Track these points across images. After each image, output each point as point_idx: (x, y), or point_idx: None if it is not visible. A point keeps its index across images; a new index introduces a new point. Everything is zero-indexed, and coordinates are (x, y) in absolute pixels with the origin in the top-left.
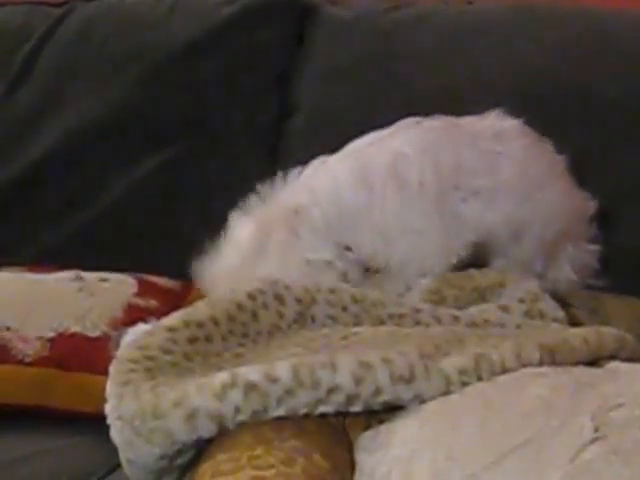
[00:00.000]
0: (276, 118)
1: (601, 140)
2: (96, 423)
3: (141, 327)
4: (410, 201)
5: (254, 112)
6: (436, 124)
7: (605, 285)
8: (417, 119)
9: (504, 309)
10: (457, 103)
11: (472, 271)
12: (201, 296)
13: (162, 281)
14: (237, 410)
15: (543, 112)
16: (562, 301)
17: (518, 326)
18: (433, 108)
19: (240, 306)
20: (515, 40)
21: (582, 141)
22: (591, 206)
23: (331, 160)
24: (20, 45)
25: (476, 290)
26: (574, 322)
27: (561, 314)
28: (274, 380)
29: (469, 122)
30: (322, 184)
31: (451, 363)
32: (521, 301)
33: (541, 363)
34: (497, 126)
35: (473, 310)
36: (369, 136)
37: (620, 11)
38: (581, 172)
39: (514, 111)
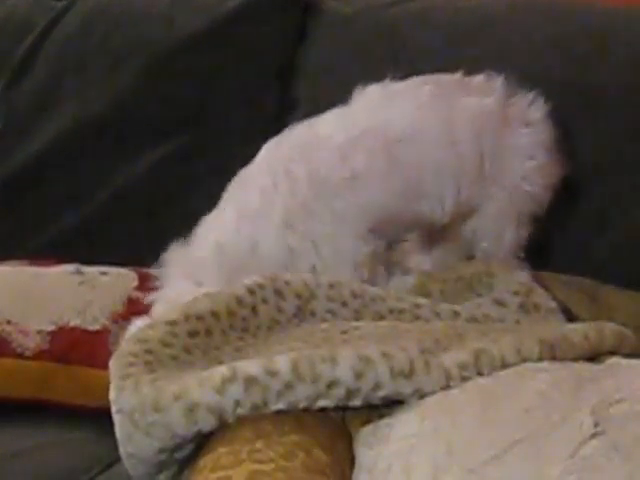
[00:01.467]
0: (277, 113)
1: (602, 137)
2: (96, 417)
3: (141, 321)
4: None
5: (255, 106)
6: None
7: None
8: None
9: (499, 303)
10: None
11: (457, 263)
12: None
13: None
14: (237, 404)
15: (553, 106)
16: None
17: (517, 321)
18: None
19: (240, 300)
20: (517, 35)
21: (583, 138)
22: None
23: None
24: (22, 38)
25: (461, 280)
26: (568, 312)
27: (553, 304)
28: (274, 374)
29: None
30: None
31: (451, 358)
32: (515, 294)
33: (541, 358)
34: None
35: (470, 305)
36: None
37: (620, 7)
38: (581, 170)
39: None
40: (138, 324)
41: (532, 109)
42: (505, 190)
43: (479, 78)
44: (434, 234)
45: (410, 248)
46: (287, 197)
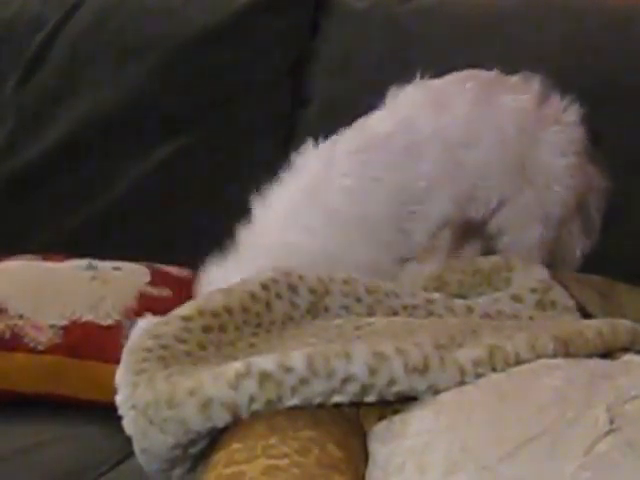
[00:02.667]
0: (290, 107)
1: (618, 132)
2: (108, 411)
3: (149, 318)
4: None
5: (268, 100)
6: None
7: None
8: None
9: (516, 299)
10: None
11: (475, 257)
12: None
13: (175, 270)
14: (251, 399)
15: None
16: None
17: (531, 318)
18: None
19: (254, 296)
20: (529, 32)
21: (600, 132)
22: None
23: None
24: (35, 33)
25: (479, 273)
26: (583, 310)
27: (571, 302)
28: (288, 369)
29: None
30: None
31: (465, 354)
32: (533, 291)
33: (555, 355)
34: None
35: (486, 300)
36: None
37: (635, 3)
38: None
39: None
40: (147, 320)
41: (567, 112)
42: (535, 188)
43: (516, 77)
44: (467, 231)
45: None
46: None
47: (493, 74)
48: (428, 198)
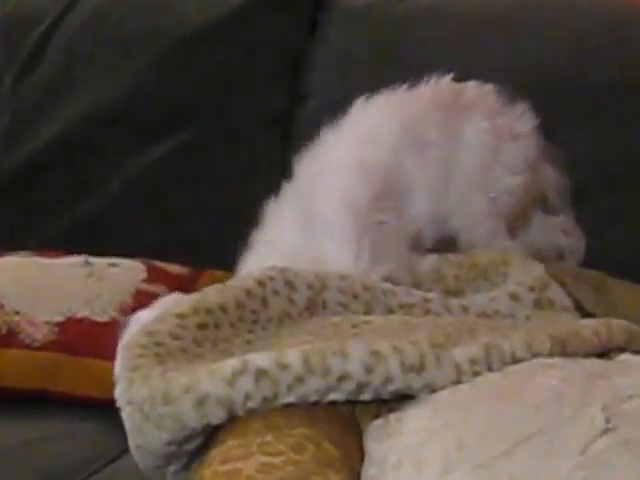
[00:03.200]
0: (288, 104)
1: (616, 133)
2: (104, 408)
3: (143, 314)
4: None
5: (267, 97)
6: None
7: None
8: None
9: (514, 297)
10: None
11: (472, 250)
12: (210, 282)
13: (171, 267)
14: (247, 396)
15: (556, 104)
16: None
17: (528, 317)
18: None
19: (249, 293)
20: (528, 31)
21: (595, 133)
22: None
23: None
24: (33, 28)
25: (475, 267)
26: (581, 309)
27: (569, 302)
28: (284, 367)
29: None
30: None
31: (462, 353)
32: (531, 289)
33: (551, 354)
34: None
35: (482, 299)
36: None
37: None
38: (593, 164)
39: (527, 102)
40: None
41: (521, 122)
42: (486, 197)
43: (471, 89)
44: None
45: None
46: None
47: (451, 88)
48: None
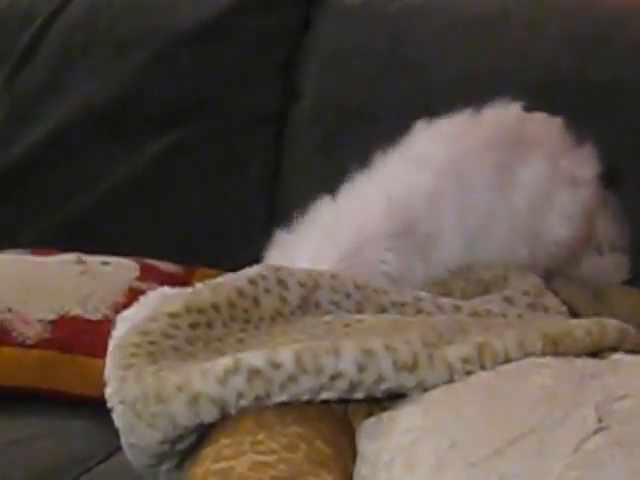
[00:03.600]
0: (281, 103)
1: (616, 133)
2: (96, 406)
3: (129, 313)
4: None
5: (260, 96)
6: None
7: None
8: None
9: (508, 300)
10: (464, 91)
11: (476, 266)
12: (203, 280)
13: (164, 265)
14: (240, 395)
15: (554, 100)
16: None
17: (520, 316)
18: (440, 95)
19: (241, 292)
20: (522, 30)
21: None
22: None
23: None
24: (25, 27)
25: (480, 282)
26: (575, 314)
27: (564, 308)
28: (277, 366)
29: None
30: None
31: (454, 352)
32: (526, 294)
33: (544, 353)
34: None
35: (476, 300)
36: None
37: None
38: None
39: (522, 99)
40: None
41: (583, 167)
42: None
43: (536, 122)
44: None
45: None
46: None
47: (515, 120)
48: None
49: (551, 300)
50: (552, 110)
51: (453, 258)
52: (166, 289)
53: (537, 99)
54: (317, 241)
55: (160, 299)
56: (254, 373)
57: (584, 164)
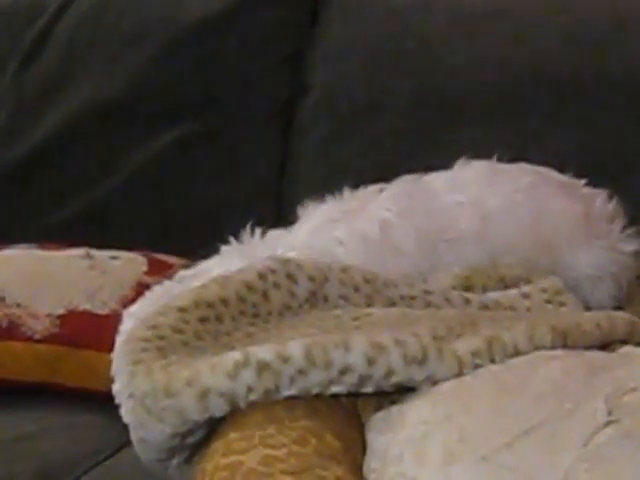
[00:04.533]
0: (289, 97)
1: (620, 126)
2: (105, 401)
3: (135, 308)
4: None
5: (268, 90)
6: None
7: None
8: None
9: (525, 296)
10: (470, 84)
11: (498, 263)
12: None
13: (172, 260)
14: (249, 389)
15: (558, 95)
16: None
17: (528, 309)
18: (446, 89)
19: (250, 286)
20: (529, 22)
21: (599, 124)
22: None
23: None
24: (33, 21)
25: (502, 281)
26: None
27: (581, 308)
28: (286, 359)
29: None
30: None
31: (464, 345)
32: (543, 291)
33: (553, 346)
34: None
35: (491, 294)
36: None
37: None
38: (598, 156)
39: (528, 93)
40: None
41: (624, 239)
42: None
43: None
44: None
45: None
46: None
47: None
48: None
49: (569, 299)
50: (565, 103)
51: None
52: (171, 283)
53: (550, 92)
54: None
55: (166, 293)
56: (263, 367)
57: (625, 239)
